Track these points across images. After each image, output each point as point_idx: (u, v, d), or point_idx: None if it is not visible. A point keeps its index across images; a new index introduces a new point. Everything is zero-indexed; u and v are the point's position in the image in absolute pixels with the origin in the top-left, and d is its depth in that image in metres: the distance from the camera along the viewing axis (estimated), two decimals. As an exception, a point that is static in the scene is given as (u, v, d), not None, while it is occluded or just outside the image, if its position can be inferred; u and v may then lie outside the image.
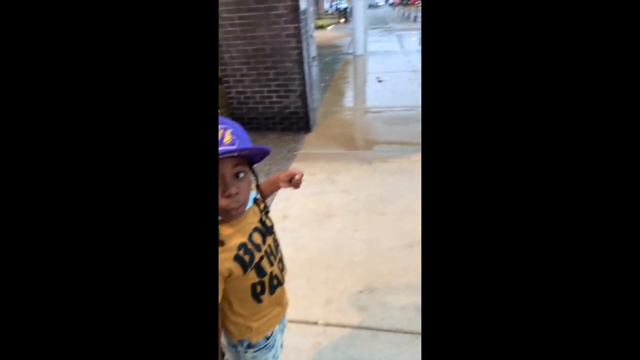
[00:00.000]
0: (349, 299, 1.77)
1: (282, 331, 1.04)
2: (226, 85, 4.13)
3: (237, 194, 0.75)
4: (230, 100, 4.18)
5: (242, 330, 0.88)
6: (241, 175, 0.76)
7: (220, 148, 0.70)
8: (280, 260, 0.94)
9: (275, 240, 0.93)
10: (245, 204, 0.79)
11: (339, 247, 2.15)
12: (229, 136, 0.73)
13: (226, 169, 0.73)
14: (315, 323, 1.64)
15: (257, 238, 0.85)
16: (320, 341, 1.55)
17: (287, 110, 4.12)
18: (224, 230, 0.79)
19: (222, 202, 0.75)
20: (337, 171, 3.18)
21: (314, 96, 4.59)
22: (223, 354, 0.95)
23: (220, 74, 4.11)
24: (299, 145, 3.89)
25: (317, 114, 4.85)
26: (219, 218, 0.78)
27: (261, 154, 0.80)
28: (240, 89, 4.12)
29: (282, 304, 0.95)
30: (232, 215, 0.78)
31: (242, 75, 4.06)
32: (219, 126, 0.72)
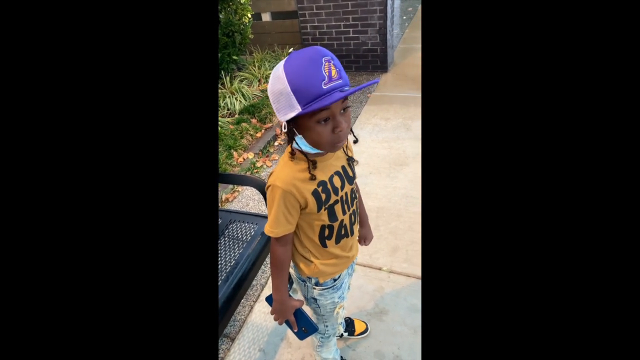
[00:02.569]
0: (416, 251, 1.73)
1: (350, 275, 1.06)
2: (301, 19, 3.94)
3: (343, 129, 0.73)
4: (305, 37, 4.01)
5: (310, 266, 0.91)
6: (346, 109, 0.73)
7: (343, 92, 0.67)
8: (354, 213, 0.92)
9: (352, 192, 0.91)
10: (347, 138, 0.77)
11: (411, 198, 2.07)
12: (334, 71, 0.68)
13: (337, 106, 0.70)
14: (380, 269, 1.66)
15: (336, 181, 0.84)
16: (384, 286, 1.58)
17: (364, 48, 3.83)
18: (318, 162, 0.79)
19: (330, 137, 0.73)
20: (414, 116, 2.95)
21: (394, 32, 4.16)
22: (291, 283, 1.00)
23: (296, 7, 3.90)
24: (373, 87, 3.66)
25: (396, 52, 4.45)
26: (314, 152, 0.77)
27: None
28: (315, 23, 3.90)
29: (348, 254, 0.95)
30: (331, 150, 0.77)
31: (319, 8, 3.80)
32: (324, 58, 0.67)
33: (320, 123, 0.71)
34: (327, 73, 0.67)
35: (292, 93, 0.67)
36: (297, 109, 0.68)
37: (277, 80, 0.69)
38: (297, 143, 0.76)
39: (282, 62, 0.70)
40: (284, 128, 0.74)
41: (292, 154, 0.79)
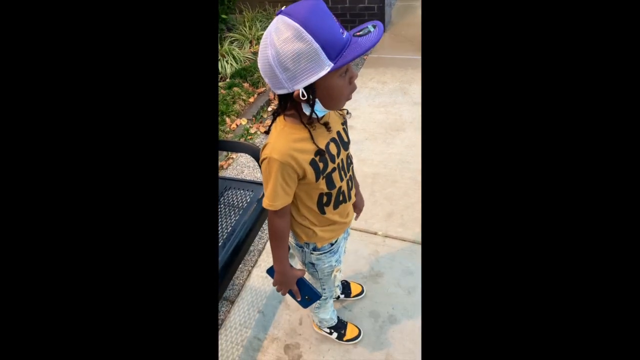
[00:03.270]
0: (411, 216, 1.75)
1: (345, 239, 1.08)
2: (294, -27, 3.69)
3: (356, 77, 0.72)
4: (298, -7, 3.78)
5: (308, 233, 0.91)
6: None
7: (373, 37, 0.63)
8: (350, 179, 0.91)
9: (348, 157, 0.89)
10: None
11: (406, 164, 2.06)
12: (337, 19, 0.64)
13: None
14: (375, 234, 1.69)
15: (333, 149, 0.81)
16: (379, 250, 1.61)
17: (360, 5, 3.64)
18: (318, 128, 0.76)
19: (348, 90, 0.71)
20: (411, 80, 2.87)
21: (392, -13, 3.94)
22: (289, 252, 1.01)
23: (287, -41, 3.63)
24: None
25: (394, 10, 4.23)
26: (322, 114, 0.74)
27: None
28: (308, -21, 3.66)
29: (345, 219, 0.95)
30: (343, 105, 0.75)
31: (312, -39, 3.55)
32: (332, 16, 0.63)
33: (342, 77, 0.68)
34: (338, 22, 0.63)
35: (320, 49, 0.60)
36: (327, 66, 0.62)
37: (290, 41, 0.60)
38: (314, 110, 0.70)
39: (286, 21, 0.60)
40: (303, 96, 0.66)
41: (310, 123, 0.73)
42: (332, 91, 0.69)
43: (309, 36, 0.59)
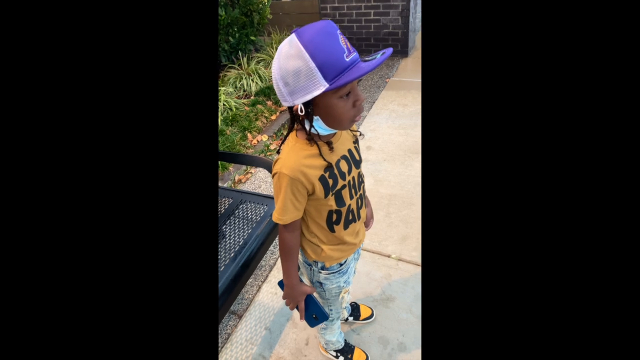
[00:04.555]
0: (427, 240, 1.70)
1: (356, 260, 1.06)
2: (321, 0, 3.83)
3: (362, 101, 0.72)
4: (325, 18, 3.91)
5: (316, 251, 0.91)
6: (359, 81, 0.71)
7: (367, 62, 0.65)
8: (360, 198, 0.91)
9: (360, 176, 0.89)
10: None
11: (424, 186, 2.03)
12: (348, 43, 0.66)
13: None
14: (389, 256, 1.65)
15: (343, 166, 0.82)
16: (391, 274, 1.57)
17: (385, 30, 3.71)
18: (321, 146, 0.77)
19: (352, 112, 0.72)
20: (433, 104, 2.87)
21: (417, 14, 4.01)
22: (298, 268, 1.01)
23: (316, -14, 3.80)
24: (392, 71, 3.56)
25: (418, 35, 4.29)
26: (326, 133, 0.76)
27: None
28: (336, 4, 3.79)
29: (355, 240, 0.94)
30: (349, 126, 0.76)
31: (340, -12, 3.69)
32: (337, 31, 0.65)
33: (342, 98, 0.69)
34: (344, 45, 0.64)
35: (317, 69, 0.63)
36: (322, 86, 0.64)
37: (293, 58, 0.64)
38: (314, 127, 0.73)
39: (292, 40, 0.65)
40: (301, 111, 0.69)
41: (310, 139, 0.75)
42: (331, 111, 0.70)
43: (308, 56, 0.63)
